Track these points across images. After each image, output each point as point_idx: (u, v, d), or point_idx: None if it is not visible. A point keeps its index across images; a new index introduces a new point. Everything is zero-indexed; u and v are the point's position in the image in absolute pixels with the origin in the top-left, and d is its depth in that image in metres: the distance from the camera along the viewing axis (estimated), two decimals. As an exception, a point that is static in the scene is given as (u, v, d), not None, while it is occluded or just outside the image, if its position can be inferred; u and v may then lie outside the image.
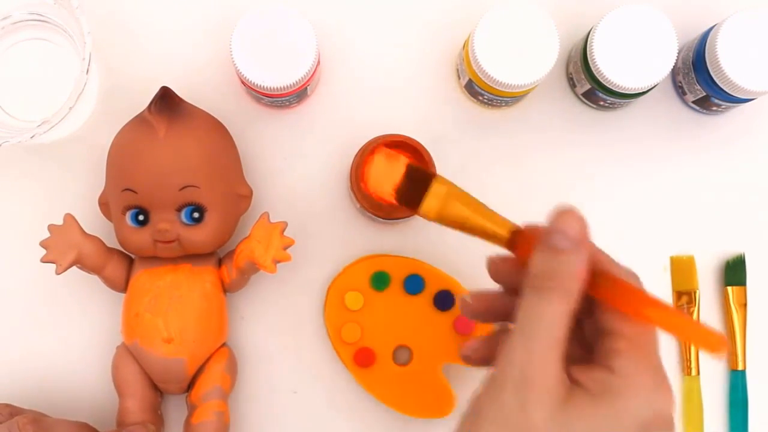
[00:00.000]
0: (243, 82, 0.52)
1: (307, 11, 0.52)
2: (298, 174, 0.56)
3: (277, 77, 0.50)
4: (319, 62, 0.53)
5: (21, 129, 0.53)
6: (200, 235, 0.50)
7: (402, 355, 0.55)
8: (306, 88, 0.53)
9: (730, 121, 0.58)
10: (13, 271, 0.56)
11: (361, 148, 0.51)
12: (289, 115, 0.57)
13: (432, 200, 0.41)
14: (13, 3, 0.54)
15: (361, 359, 0.53)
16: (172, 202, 0.49)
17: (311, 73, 0.51)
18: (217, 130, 0.51)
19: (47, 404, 0.55)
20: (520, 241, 0.40)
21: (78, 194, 0.56)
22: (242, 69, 0.50)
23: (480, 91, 0.54)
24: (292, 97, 0.53)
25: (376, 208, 0.51)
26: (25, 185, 0.56)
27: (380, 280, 0.53)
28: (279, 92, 0.51)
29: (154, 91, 0.55)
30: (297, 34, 0.50)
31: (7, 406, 0.50)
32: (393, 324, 0.54)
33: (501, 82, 0.51)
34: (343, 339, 0.53)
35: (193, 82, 0.56)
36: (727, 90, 0.52)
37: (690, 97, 0.57)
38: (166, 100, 0.49)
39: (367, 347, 0.53)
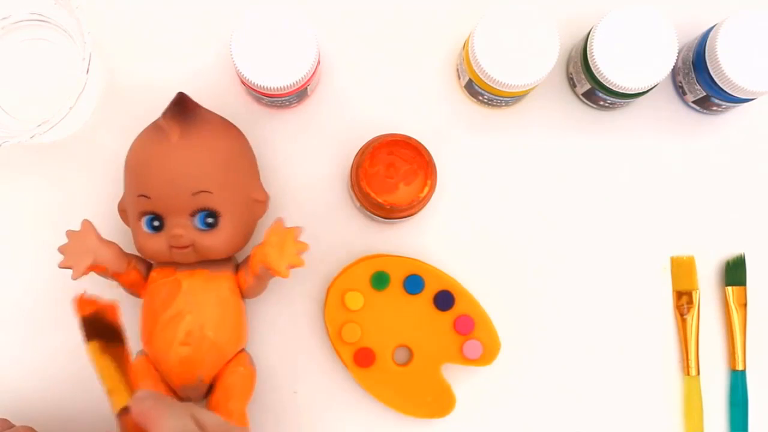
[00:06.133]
0: (243, 82, 0.52)
1: (307, 11, 0.52)
2: (298, 174, 0.56)
3: (277, 77, 0.50)
4: (319, 62, 0.53)
5: (21, 129, 0.53)
6: (215, 241, 0.49)
7: (402, 355, 0.55)
8: (306, 88, 0.53)
9: (730, 121, 0.58)
10: (14, 274, 0.56)
11: (361, 148, 0.51)
12: (289, 115, 0.57)
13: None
14: (13, 3, 0.54)
15: (361, 359, 0.53)
16: (185, 207, 0.49)
17: (311, 73, 0.51)
18: (232, 135, 0.51)
19: (62, 410, 0.55)
20: (125, 419, 0.43)
21: (78, 194, 0.56)
22: (242, 69, 0.50)
23: (480, 91, 0.54)
24: (292, 97, 0.53)
25: (376, 208, 0.51)
26: (25, 186, 0.56)
27: (380, 280, 0.53)
28: (279, 92, 0.51)
29: (154, 91, 0.55)
30: (297, 34, 0.50)
31: (1, 421, 0.51)
32: (393, 324, 0.54)
33: (501, 82, 0.51)
34: (343, 339, 0.53)
35: (193, 82, 0.56)
36: (727, 90, 0.52)
37: (690, 97, 0.57)
38: (180, 106, 0.49)
39: (367, 347, 0.53)
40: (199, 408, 0.43)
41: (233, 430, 0.42)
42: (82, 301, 0.46)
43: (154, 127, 0.50)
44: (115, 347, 0.46)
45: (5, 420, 0.51)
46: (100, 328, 0.46)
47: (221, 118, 0.52)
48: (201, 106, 0.51)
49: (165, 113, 0.49)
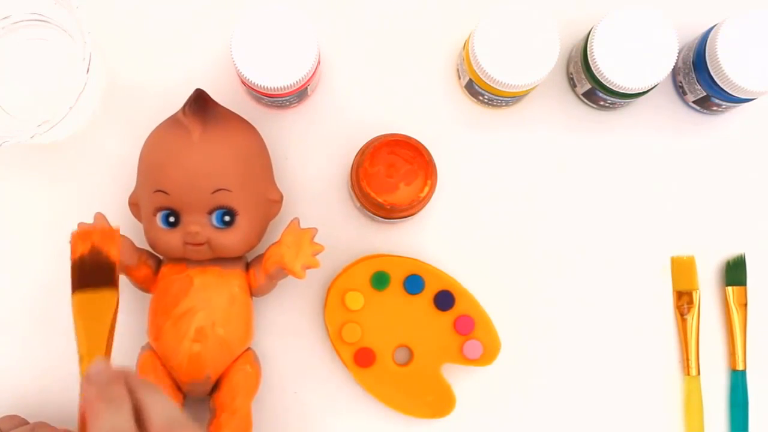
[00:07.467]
0: (243, 82, 0.52)
1: (307, 11, 0.52)
2: (298, 174, 0.56)
3: (277, 77, 0.50)
4: (319, 62, 0.53)
5: (21, 129, 0.53)
6: (230, 239, 0.49)
7: (402, 355, 0.55)
8: (306, 88, 0.53)
9: (730, 121, 0.58)
10: (14, 273, 0.56)
11: (361, 148, 0.51)
12: (290, 115, 0.57)
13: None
14: (13, 3, 0.54)
15: (361, 359, 0.53)
16: (203, 205, 0.49)
17: (311, 73, 0.51)
18: (250, 134, 0.51)
19: (61, 405, 0.55)
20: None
21: (79, 194, 0.56)
22: (242, 69, 0.50)
23: (480, 91, 0.54)
24: (293, 97, 0.53)
25: (376, 208, 0.51)
26: (25, 186, 0.56)
27: (380, 280, 0.53)
28: (279, 92, 0.51)
29: (154, 91, 0.55)
30: (297, 34, 0.50)
31: (14, 417, 0.50)
32: (393, 324, 0.54)
33: (501, 82, 0.51)
34: (343, 339, 0.53)
35: (193, 82, 0.55)
36: (727, 90, 0.52)
37: (690, 97, 0.57)
38: (201, 103, 0.49)
39: (367, 347, 0.53)
40: (152, 391, 0.40)
41: (181, 422, 0.39)
42: (80, 235, 0.45)
43: (173, 123, 0.50)
44: (104, 293, 0.44)
45: (17, 416, 0.51)
46: (89, 271, 0.45)
47: (238, 115, 0.52)
48: (218, 103, 0.51)
49: (185, 109, 0.49)
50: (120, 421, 0.37)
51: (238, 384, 0.51)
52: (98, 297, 0.44)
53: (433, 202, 0.55)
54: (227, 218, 0.49)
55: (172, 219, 0.49)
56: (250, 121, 0.53)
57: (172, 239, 0.49)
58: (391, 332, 0.54)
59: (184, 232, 0.49)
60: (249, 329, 0.52)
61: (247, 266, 0.52)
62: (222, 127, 0.49)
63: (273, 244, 0.51)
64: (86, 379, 0.39)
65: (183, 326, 0.49)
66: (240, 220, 0.49)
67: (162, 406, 0.39)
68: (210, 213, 0.49)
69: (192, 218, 0.49)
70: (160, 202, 0.49)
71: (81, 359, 0.43)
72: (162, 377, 0.50)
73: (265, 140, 0.54)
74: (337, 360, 0.55)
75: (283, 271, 0.50)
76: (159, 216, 0.49)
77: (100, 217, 0.50)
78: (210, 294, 0.50)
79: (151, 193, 0.49)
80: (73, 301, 0.44)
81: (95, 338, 0.43)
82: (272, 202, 0.52)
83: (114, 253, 0.46)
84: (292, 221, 0.51)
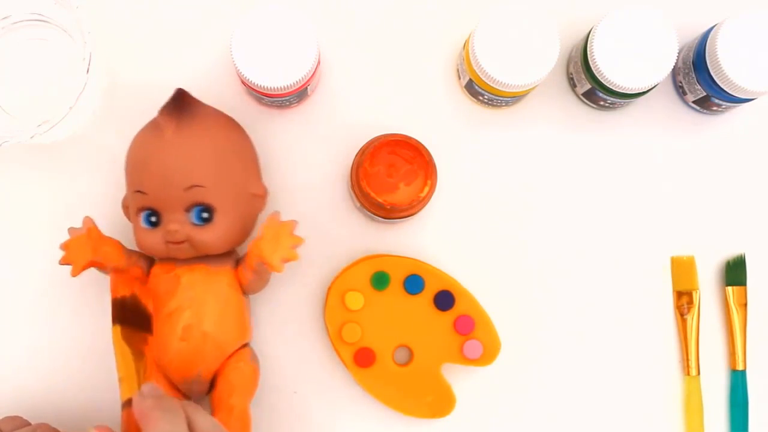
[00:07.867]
0: (243, 82, 0.52)
1: (307, 11, 0.52)
2: (298, 174, 0.56)
3: (277, 77, 0.50)
4: (319, 62, 0.53)
5: (21, 129, 0.53)
6: (210, 236, 0.49)
7: (402, 355, 0.55)
8: (306, 88, 0.53)
9: (730, 121, 0.58)
10: (13, 273, 0.56)
11: (361, 148, 0.51)
12: (289, 115, 0.57)
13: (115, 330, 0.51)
14: (13, 3, 0.54)
15: (361, 359, 0.53)
16: (180, 202, 0.49)
17: (311, 73, 0.51)
18: (229, 130, 0.51)
19: (62, 407, 0.55)
20: (127, 411, 0.48)
21: (78, 194, 0.56)
22: (242, 69, 0.50)
23: (480, 91, 0.54)
24: (293, 97, 0.53)
25: (376, 208, 0.51)
26: (24, 186, 0.56)
27: (380, 280, 0.53)
28: (279, 92, 0.51)
29: (154, 90, 0.54)
30: (297, 34, 0.50)
31: (15, 418, 0.50)
32: (393, 324, 0.54)
33: (501, 82, 0.51)
34: (343, 339, 0.53)
35: (193, 82, 0.55)
36: (727, 90, 0.52)
37: (690, 97, 0.57)
38: (177, 102, 0.49)
39: (367, 347, 0.53)
40: (199, 410, 0.44)
41: None
42: (121, 279, 0.51)
43: (151, 124, 0.50)
44: (139, 334, 0.50)
45: (19, 417, 0.51)
46: (130, 312, 0.50)
47: (220, 113, 0.52)
48: (200, 101, 0.51)
49: (162, 109, 0.49)
50: (177, 429, 0.41)
51: (233, 382, 0.50)
52: (136, 334, 0.51)
53: (433, 202, 0.55)
54: (205, 215, 0.49)
55: (153, 219, 0.49)
56: (249, 121, 0.53)
57: (155, 239, 0.49)
58: (391, 332, 0.54)
59: (164, 231, 0.49)
60: (241, 326, 0.51)
61: (238, 263, 0.52)
62: (197, 125, 0.49)
63: (255, 238, 0.51)
64: (141, 395, 0.44)
65: (171, 325, 0.49)
66: (218, 217, 0.49)
67: (208, 421, 0.44)
68: (188, 210, 0.49)
69: (171, 216, 0.49)
70: (141, 203, 0.49)
71: (120, 381, 0.49)
72: (158, 377, 0.50)
73: (265, 140, 0.54)
74: (337, 360, 0.55)
75: (264, 266, 0.50)
76: (141, 216, 0.50)
77: (88, 221, 0.50)
78: (197, 292, 0.50)
79: (132, 193, 0.50)
80: (114, 331, 0.51)
81: (131, 364, 0.50)
82: (255, 197, 0.52)
83: (150, 306, 0.51)
84: (271, 215, 0.50)
